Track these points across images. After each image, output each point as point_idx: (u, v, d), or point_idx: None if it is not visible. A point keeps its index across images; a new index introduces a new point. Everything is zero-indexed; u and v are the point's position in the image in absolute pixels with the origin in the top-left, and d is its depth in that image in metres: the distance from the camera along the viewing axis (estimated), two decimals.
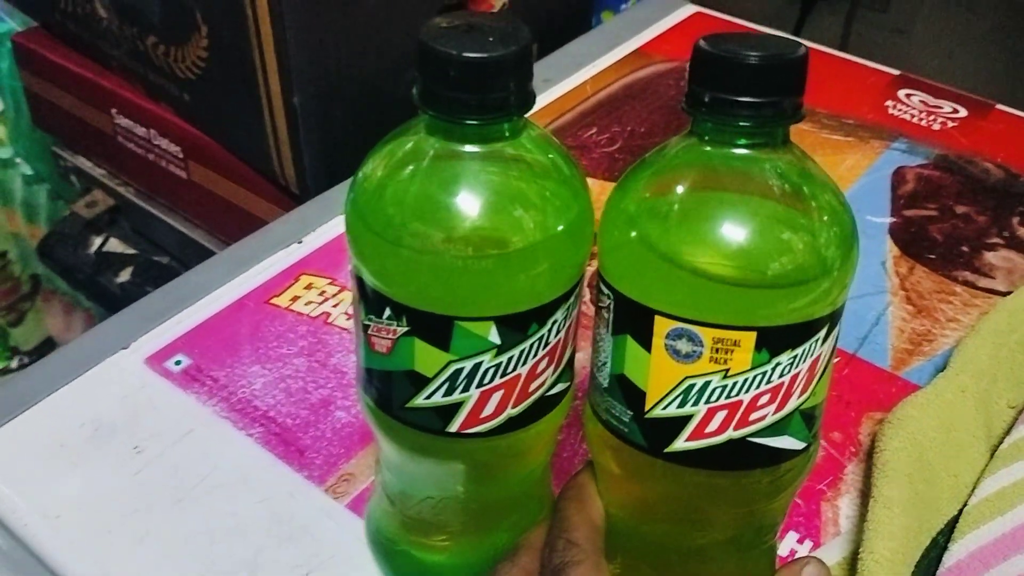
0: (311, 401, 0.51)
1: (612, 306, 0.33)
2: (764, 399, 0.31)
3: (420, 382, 0.34)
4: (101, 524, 0.45)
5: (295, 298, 0.58)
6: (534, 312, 0.33)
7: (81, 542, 0.45)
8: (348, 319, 0.57)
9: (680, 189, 0.32)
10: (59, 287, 1.19)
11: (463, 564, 0.41)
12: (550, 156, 0.34)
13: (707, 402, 0.31)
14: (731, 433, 0.32)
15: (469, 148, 0.32)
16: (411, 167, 0.33)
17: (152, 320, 0.56)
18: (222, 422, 0.50)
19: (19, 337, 1.25)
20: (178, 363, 0.54)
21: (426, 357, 0.33)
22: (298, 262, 0.61)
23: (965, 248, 0.62)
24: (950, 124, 0.75)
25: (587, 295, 0.47)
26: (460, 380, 0.33)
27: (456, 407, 0.34)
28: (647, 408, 0.32)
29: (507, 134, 0.32)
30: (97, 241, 1.01)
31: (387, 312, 0.33)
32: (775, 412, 0.32)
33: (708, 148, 0.31)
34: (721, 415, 0.32)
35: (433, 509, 0.39)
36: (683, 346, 0.31)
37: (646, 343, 0.31)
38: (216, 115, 0.83)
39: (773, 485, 0.34)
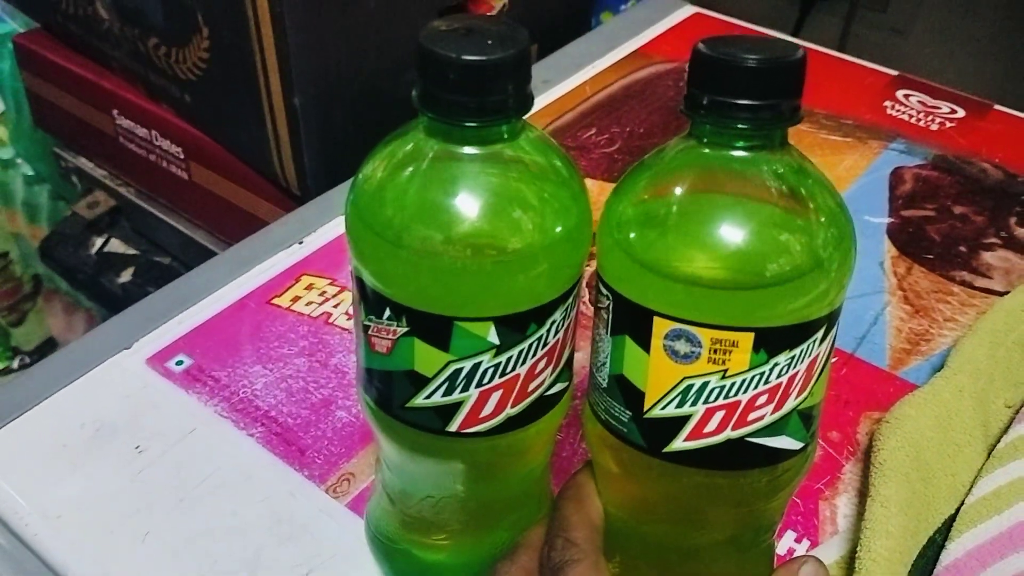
0: (312, 401, 0.52)
1: (611, 307, 0.33)
2: (762, 399, 0.32)
3: (420, 382, 0.34)
4: (102, 524, 0.46)
5: (296, 298, 0.58)
6: (533, 312, 0.33)
7: (83, 542, 0.45)
8: (349, 319, 0.57)
9: (678, 191, 0.32)
10: (60, 287, 1.19)
11: (463, 563, 0.41)
12: (549, 158, 0.34)
13: (705, 402, 0.32)
14: (729, 433, 0.32)
15: (468, 150, 0.32)
16: (411, 169, 0.33)
17: (153, 320, 0.57)
18: (223, 422, 0.50)
19: (20, 337, 1.26)
20: (179, 363, 0.54)
21: (426, 357, 0.33)
22: (299, 262, 0.61)
23: (963, 248, 0.63)
24: (948, 124, 0.75)
25: (586, 295, 0.47)
26: (459, 380, 0.34)
27: (456, 407, 0.34)
28: (646, 408, 0.32)
29: (506, 136, 0.33)
30: (98, 241, 1.02)
31: (387, 312, 0.33)
32: (773, 412, 0.32)
33: (706, 150, 0.32)
34: (719, 415, 0.32)
35: (433, 508, 0.39)
36: (681, 347, 0.31)
37: (645, 344, 0.32)
38: (217, 116, 0.84)
39: (771, 485, 0.34)
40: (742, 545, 0.37)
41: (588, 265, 0.35)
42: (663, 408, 0.32)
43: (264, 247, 0.63)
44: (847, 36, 1.18)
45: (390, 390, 0.35)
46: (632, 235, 0.32)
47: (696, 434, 0.32)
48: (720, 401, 0.31)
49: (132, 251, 1.01)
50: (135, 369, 0.54)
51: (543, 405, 0.36)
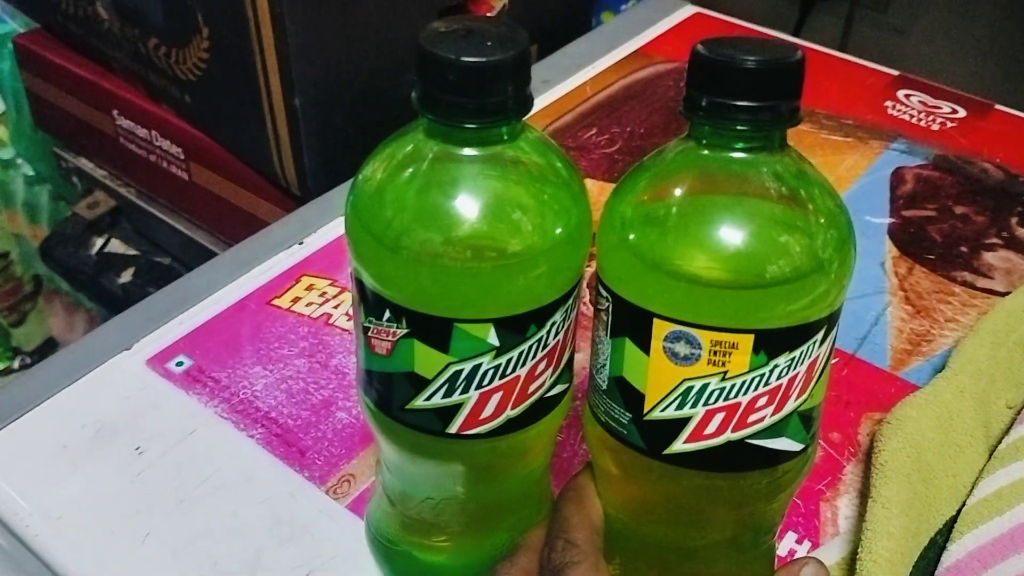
0: (312, 402, 0.52)
1: (610, 309, 0.33)
2: (762, 401, 0.32)
3: (420, 384, 0.34)
4: (103, 525, 0.46)
5: (296, 299, 0.58)
6: (533, 314, 0.33)
7: (83, 543, 0.45)
8: (349, 320, 0.57)
9: (678, 192, 0.32)
10: (61, 288, 1.19)
11: (463, 565, 0.41)
12: (548, 159, 0.34)
13: (705, 404, 0.32)
14: (729, 435, 0.32)
15: (468, 151, 0.32)
16: (410, 170, 0.33)
17: (154, 321, 0.57)
18: (223, 423, 0.50)
19: (21, 337, 1.26)
20: (180, 364, 0.54)
21: (426, 359, 0.33)
22: (299, 263, 0.61)
23: (964, 248, 0.62)
24: (949, 124, 0.75)
25: (586, 296, 0.47)
26: (459, 382, 0.33)
27: (455, 408, 0.34)
28: (646, 410, 0.32)
29: (505, 137, 0.33)
30: (99, 242, 1.02)
31: (387, 314, 0.33)
32: (773, 414, 0.32)
33: (705, 152, 0.31)
34: (719, 417, 0.32)
35: (433, 510, 0.39)
36: (681, 348, 0.31)
37: (644, 346, 0.32)
38: (217, 116, 0.84)
39: (771, 486, 0.34)
40: (743, 546, 0.37)
41: (588, 266, 0.35)
42: (663, 410, 0.32)
43: (264, 248, 0.63)
44: (848, 36, 1.18)
45: (390, 392, 0.35)
46: (631, 237, 0.32)
47: (696, 436, 0.32)
48: (720, 403, 0.31)
49: (132, 252, 1.02)
50: (135, 370, 0.54)
51: (543, 407, 0.36)
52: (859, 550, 0.40)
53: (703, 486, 0.33)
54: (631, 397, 0.33)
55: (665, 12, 0.91)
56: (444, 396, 0.34)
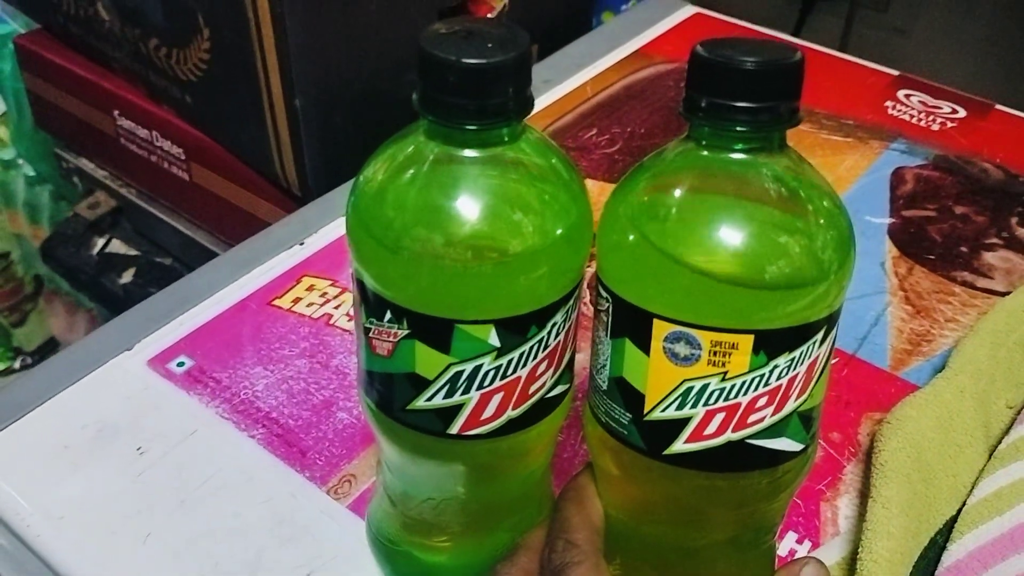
0: (313, 402, 0.52)
1: (610, 309, 0.33)
2: (762, 401, 0.32)
3: (421, 384, 0.34)
4: (104, 525, 0.46)
5: (297, 299, 0.58)
6: (534, 315, 0.33)
7: (84, 543, 0.45)
8: (350, 320, 0.57)
9: (677, 193, 0.32)
10: (62, 288, 1.19)
11: (464, 565, 0.41)
12: (549, 160, 0.34)
13: (705, 404, 0.32)
14: (729, 435, 0.32)
15: (469, 152, 0.32)
16: (411, 171, 0.33)
17: (155, 322, 0.57)
18: (224, 423, 0.50)
19: (22, 337, 1.26)
20: (181, 365, 0.54)
21: (427, 359, 0.33)
22: (300, 264, 0.61)
23: (964, 248, 0.63)
24: (949, 124, 0.75)
25: (587, 296, 0.47)
26: (460, 382, 0.34)
27: (457, 409, 0.34)
28: (646, 410, 0.33)
29: (506, 138, 0.33)
30: (100, 242, 1.02)
31: (388, 315, 0.33)
32: (773, 414, 0.32)
33: (705, 152, 0.32)
34: (719, 417, 0.32)
35: (434, 510, 0.39)
36: (681, 349, 0.31)
37: (644, 346, 0.32)
38: (218, 117, 0.84)
39: (772, 486, 0.34)
40: (743, 546, 0.37)
41: (589, 266, 0.35)
42: (663, 410, 0.32)
43: (265, 248, 0.63)
44: (848, 36, 1.18)
45: (391, 392, 0.35)
46: (631, 237, 0.32)
47: (696, 436, 0.32)
48: (720, 403, 0.32)
49: (133, 252, 1.02)
50: (136, 370, 0.54)
51: (544, 407, 0.36)
52: (859, 550, 0.40)
53: (703, 486, 0.33)
54: (631, 397, 0.33)
55: (665, 12, 0.91)
56: (445, 397, 0.34)
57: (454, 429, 0.35)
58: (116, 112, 0.93)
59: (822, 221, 0.31)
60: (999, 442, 0.47)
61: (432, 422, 0.35)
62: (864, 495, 0.45)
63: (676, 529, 0.36)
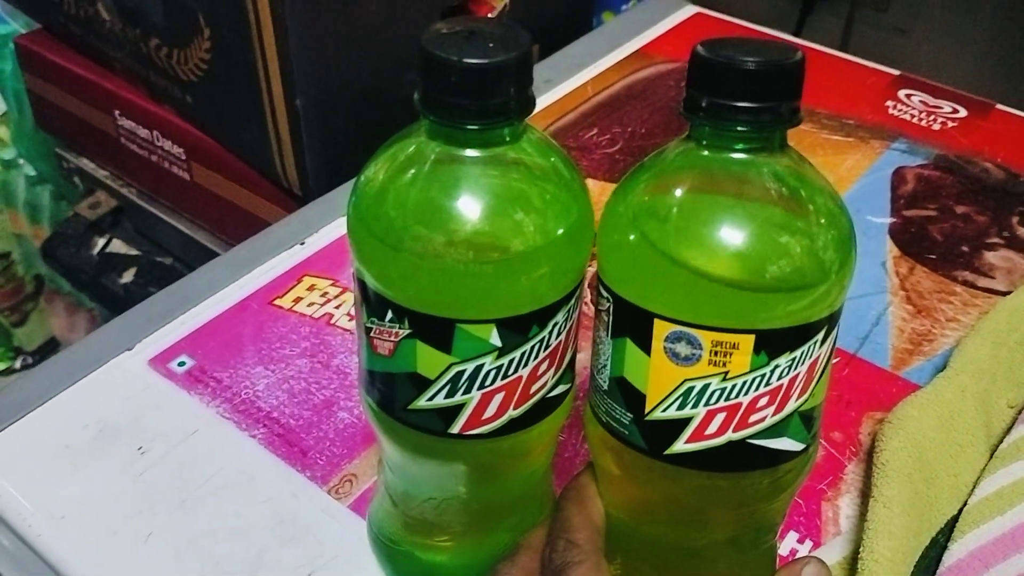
0: (314, 402, 0.52)
1: (611, 309, 0.33)
2: (763, 401, 0.32)
3: (422, 384, 0.34)
4: (105, 525, 0.46)
5: (298, 299, 0.58)
6: (535, 314, 0.33)
7: (85, 543, 0.45)
8: (350, 320, 0.57)
9: (678, 193, 0.32)
10: (62, 288, 1.19)
11: (465, 564, 0.41)
12: (550, 160, 0.34)
13: (706, 404, 0.32)
14: (730, 435, 0.32)
15: (470, 152, 0.32)
16: (412, 171, 0.33)
17: (156, 322, 0.57)
18: (225, 423, 0.50)
19: (23, 337, 1.26)
20: (182, 364, 0.54)
21: (428, 359, 0.33)
22: (301, 263, 0.61)
23: (965, 248, 0.63)
24: (950, 124, 0.75)
25: (588, 295, 0.47)
26: (462, 382, 0.34)
27: (458, 409, 0.34)
28: (647, 410, 0.33)
29: (508, 138, 0.33)
30: (100, 242, 1.02)
31: (389, 315, 0.33)
32: (774, 414, 0.32)
33: (706, 152, 0.32)
34: (720, 417, 0.32)
35: (435, 510, 0.39)
36: (682, 349, 0.31)
37: (645, 346, 0.32)
38: (219, 117, 0.84)
39: (773, 486, 0.34)
40: (744, 546, 0.37)
41: (590, 266, 0.35)
42: (664, 410, 0.32)
43: (266, 248, 0.63)
44: (849, 36, 1.18)
45: (392, 392, 0.35)
46: (632, 237, 0.32)
47: (697, 436, 0.32)
48: (721, 403, 0.32)
49: (134, 252, 1.02)
50: (137, 370, 0.54)
51: (545, 407, 0.36)
52: (860, 549, 0.40)
53: (704, 486, 0.33)
54: (632, 397, 0.33)
55: (666, 12, 0.91)
56: (446, 396, 0.34)
57: (455, 429, 0.35)
58: (117, 112, 0.93)
59: (823, 221, 0.31)
60: (1000, 441, 0.47)
61: (433, 422, 0.35)
62: (865, 495, 0.45)
63: (677, 529, 0.36)
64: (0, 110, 1.10)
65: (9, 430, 0.50)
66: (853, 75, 0.82)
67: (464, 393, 0.34)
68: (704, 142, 0.32)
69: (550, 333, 0.34)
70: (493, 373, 0.33)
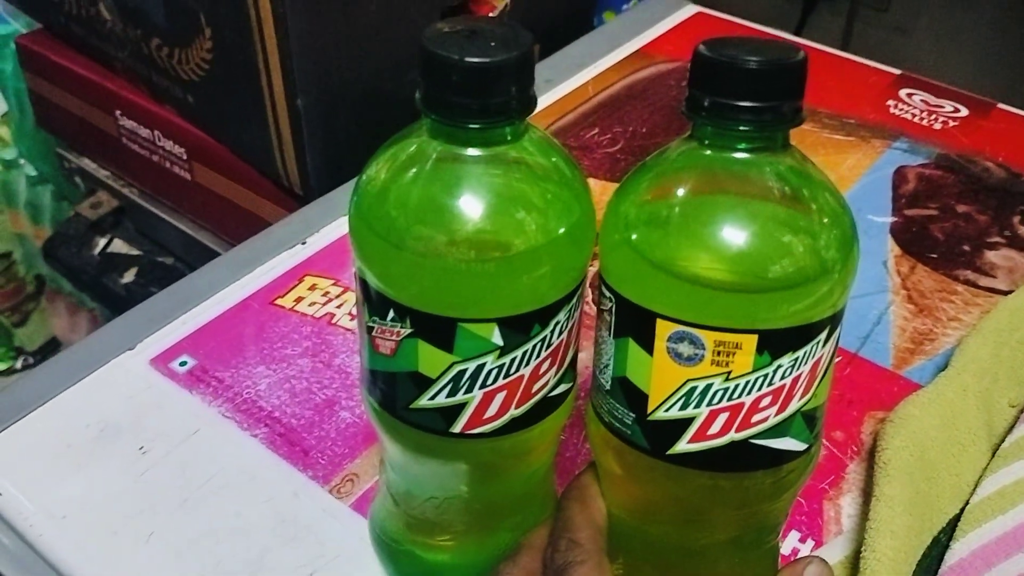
0: (315, 401, 0.52)
1: (614, 309, 0.33)
2: (766, 401, 0.32)
3: (424, 383, 0.34)
4: (107, 524, 0.46)
5: (299, 299, 0.58)
6: (537, 314, 0.33)
7: (87, 542, 0.45)
8: (352, 320, 0.57)
9: (681, 193, 0.32)
10: (64, 288, 1.19)
11: (467, 564, 0.41)
12: (552, 159, 0.34)
13: (709, 404, 0.32)
14: (733, 435, 0.32)
15: (471, 151, 0.32)
16: (414, 170, 0.33)
17: (157, 321, 0.57)
18: (227, 422, 0.50)
19: (24, 337, 1.26)
20: (183, 364, 0.54)
21: (430, 358, 0.33)
22: (302, 263, 0.61)
23: (966, 247, 0.62)
24: (951, 123, 0.75)
25: (589, 295, 0.47)
26: (463, 381, 0.34)
27: (459, 408, 0.34)
28: (649, 410, 0.32)
29: (509, 137, 0.33)
30: (101, 242, 1.02)
31: (391, 314, 0.33)
32: (777, 414, 0.32)
33: (708, 152, 0.31)
34: (723, 417, 0.32)
35: (437, 509, 0.39)
36: (685, 349, 0.31)
37: (648, 346, 0.32)
38: (220, 117, 0.84)
39: (775, 486, 0.34)
40: (746, 546, 0.37)
41: (591, 265, 0.35)
42: (666, 410, 0.32)
43: (267, 247, 0.63)
44: (850, 35, 1.17)
45: (394, 391, 0.35)
46: (634, 237, 0.32)
47: (700, 436, 0.32)
48: (724, 403, 0.31)
49: (135, 252, 1.02)
50: (139, 370, 0.54)
51: (547, 406, 0.36)
52: (863, 549, 0.40)
53: (707, 486, 0.33)
54: (634, 397, 0.33)
55: (667, 12, 0.91)
56: (448, 395, 0.34)
57: (457, 428, 0.35)
58: (118, 112, 0.93)
59: (826, 220, 0.31)
60: (1002, 440, 0.47)
61: (435, 421, 0.35)
62: (867, 494, 0.45)
63: (679, 529, 0.36)
64: (1, 110, 1.10)
65: (10, 430, 0.50)
66: (854, 74, 0.82)
67: (466, 392, 0.34)
68: (706, 142, 0.31)
69: (552, 332, 0.34)
70: (495, 372, 0.33)
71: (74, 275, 1.04)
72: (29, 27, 1.03)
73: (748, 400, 0.31)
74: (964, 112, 0.76)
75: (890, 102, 0.78)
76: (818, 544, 0.45)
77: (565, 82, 0.80)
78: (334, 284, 0.60)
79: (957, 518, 0.43)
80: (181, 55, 0.81)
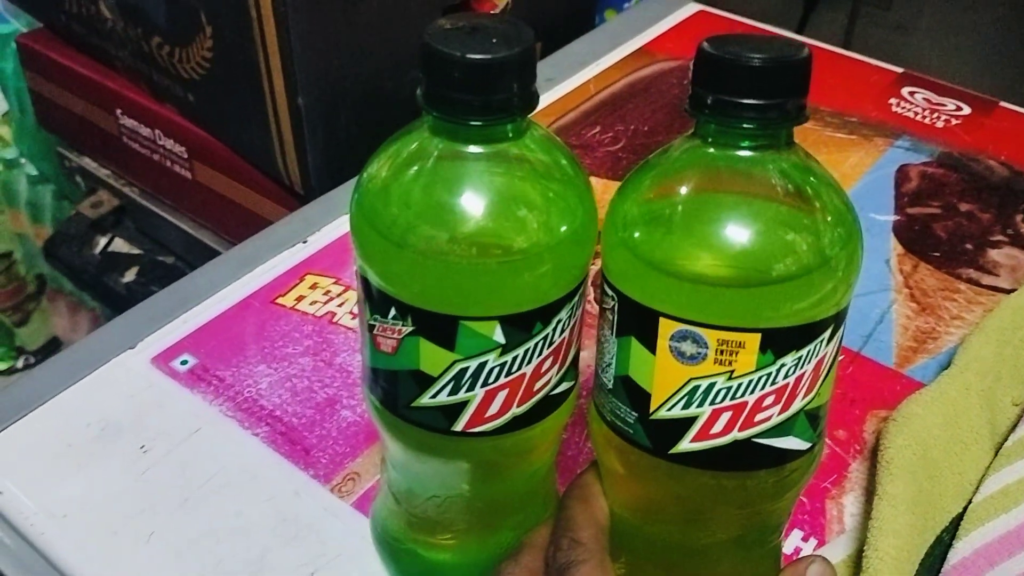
0: (317, 400, 0.52)
1: (616, 308, 0.33)
2: (769, 400, 0.31)
3: (425, 381, 0.34)
4: (107, 524, 0.46)
5: (300, 298, 0.58)
6: (538, 312, 0.33)
7: (88, 542, 0.45)
8: (353, 318, 0.57)
9: (684, 191, 0.32)
10: (64, 287, 1.19)
11: (468, 563, 0.41)
12: (554, 156, 0.34)
13: (712, 403, 0.31)
14: (736, 434, 0.32)
15: (473, 149, 0.32)
16: (415, 168, 0.33)
17: (158, 320, 0.57)
18: (228, 421, 0.50)
19: (25, 337, 1.26)
20: (184, 363, 0.54)
21: (431, 357, 0.33)
22: (303, 262, 0.61)
23: (969, 245, 0.62)
24: (954, 122, 0.75)
25: (591, 293, 0.47)
26: (465, 379, 0.33)
27: (461, 406, 0.34)
28: (652, 409, 0.32)
29: (511, 135, 0.32)
30: (102, 241, 1.02)
31: (392, 312, 0.33)
32: (780, 413, 0.32)
33: (711, 150, 0.31)
34: (726, 416, 0.32)
35: (438, 508, 0.39)
36: (688, 348, 0.31)
37: (651, 345, 0.32)
38: (221, 116, 0.84)
39: (778, 485, 0.34)
40: (749, 545, 0.37)
41: (593, 263, 0.35)
42: (669, 409, 0.32)
43: (268, 246, 0.63)
44: (852, 33, 1.17)
45: (395, 390, 0.35)
46: (637, 235, 0.32)
47: (703, 435, 0.32)
48: (727, 402, 0.31)
49: (136, 251, 1.02)
50: (140, 369, 0.54)
51: (549, 404, 0.36)
52: (865, 548, 0.40)
53: (709, 485, 0.33)
54: (637, 396, 0.33)
55: (669, 10, 0.90)
56: (450, 394, 0.34)
57: (459, 426, 0.34)
58: (119, 111, 0.93)
59: (829, 218, 0.31)
60: (1005, 439, 0.46)
61: (436, 419, 0.35)
62: (870, 493, 0.44)
63: (682, 528, 0.36)
64: (2, 109, 1.10)
65: (11, 429, 0.50)
66: (856, 73, 0.82)
67: (467, 390, 0.34)
68: (710, 139, 0.31)
69: (554, 330, 0.34)
70: (496, 370, 0.33)
71: (75, 274, 1.04)
72: (30, 26, 1.03)
73: (751, 399, 0.31)
74: (966, 110, 0.76)
75: (892, 100, 0.78)
76: (821, 543, 0.45)
77: (567, 80, 0.80)
78: (335, 283, 0.59)
79: (960, 517, 0.43)
80: (182, 54, 0.81)
